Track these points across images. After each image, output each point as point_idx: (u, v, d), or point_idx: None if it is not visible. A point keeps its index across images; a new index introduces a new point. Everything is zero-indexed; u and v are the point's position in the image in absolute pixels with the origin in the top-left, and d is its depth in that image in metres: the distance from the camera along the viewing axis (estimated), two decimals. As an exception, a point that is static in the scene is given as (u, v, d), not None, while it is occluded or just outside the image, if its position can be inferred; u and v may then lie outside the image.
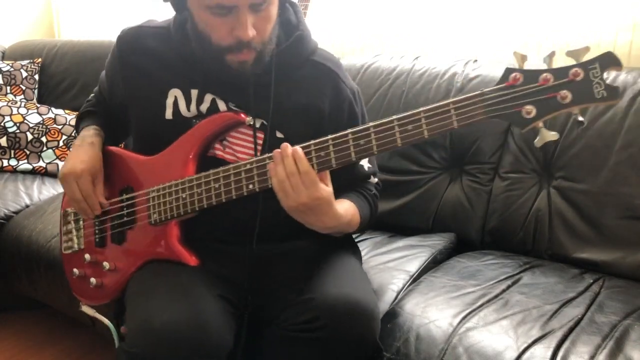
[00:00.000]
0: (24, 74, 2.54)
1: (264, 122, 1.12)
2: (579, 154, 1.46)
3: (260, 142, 1.11)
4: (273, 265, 1.14)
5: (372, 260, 1.43)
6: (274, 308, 1.08)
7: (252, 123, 1.11)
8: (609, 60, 0.86)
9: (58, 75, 2.57)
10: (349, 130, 0.97)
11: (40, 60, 2.61)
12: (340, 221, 1.04)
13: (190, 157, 1.11)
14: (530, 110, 0.89)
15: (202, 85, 1.12)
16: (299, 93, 1.14)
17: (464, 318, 1.12)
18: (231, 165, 1.05)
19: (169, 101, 1.14)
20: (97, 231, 1.23)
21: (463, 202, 1.61)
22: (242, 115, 1.10)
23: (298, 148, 0.97)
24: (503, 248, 1.53)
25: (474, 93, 0.92)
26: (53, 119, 2.30)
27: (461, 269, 1.36)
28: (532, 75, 0.89)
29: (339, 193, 1.12)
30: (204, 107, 1.13)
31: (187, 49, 1.10)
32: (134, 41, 1.18)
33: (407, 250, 1.47)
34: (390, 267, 1.37)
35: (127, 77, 1.19)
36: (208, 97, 1.13)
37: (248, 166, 1.03)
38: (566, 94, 0.87)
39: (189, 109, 1.13)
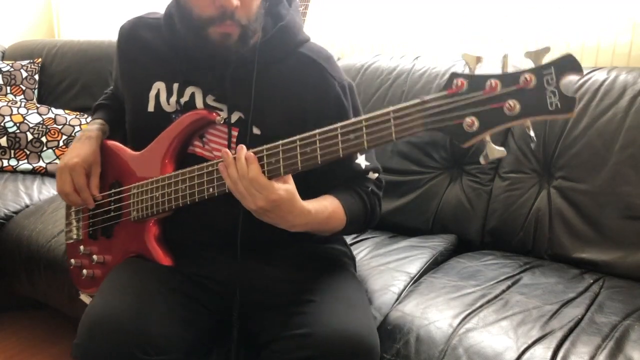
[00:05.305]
0: (24, 74, 2.54)
1: (242, 116, 1.09)
2: (579, 153, 1.46)
3: (235, 139, 1.09)
4: (258, 276, 1.12)
5: (373, 260, 1.43)
6: (265, 328, 1.06)
7: (222, 121, 1.09)
8: (567, 65, 0.74)
9: (58, 75, 2.57)
10: (297, 137, 0.93)
11: (40, 60, 2.61)
12: (310, 218, 0.99)
13: (168, 155, 1.12)
14: (472, 122, 0.79)
15: (184, 76, 1.11)
16: (280, 87, 1.10)
17: (464, 319, 1.12)
18: (196, 167, 1.04)
19: (152, 94, 1.15)
20: (90, 224, 1.25)
21: (463, 202, 1.61)
22: (214, 114, 1.09)
23: (250, 153, 0.94)
24: (503, 248, 1.53)
25: (413, 101, 0.83)
26: (53, 119, 2.30)
27: (461, 270, 1.36)
28: (477, 82, 0.79)
29: (330, 191, 1.10)
30: (182, 102, 1.12)
31: (174, 38, 1.10)
32: (131, 32, 1.21)
33: (408, 251, 1.47)
34: (391, 268, 1.37)
35: (124, 68, 1.21)
36: (188, 91, 1.12)
37: (210, 168, 1.02)
38: (514, 105, 0.76)
39: (168, 102, 1.14)
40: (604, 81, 1.48)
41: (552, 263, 1.44)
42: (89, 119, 2.28)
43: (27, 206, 1.96)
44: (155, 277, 1.08)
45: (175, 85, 1.13)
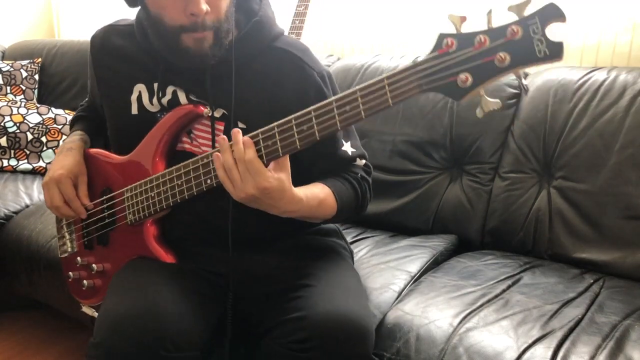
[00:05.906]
0: (24, 74, 2.54)
1: (225, 112, 1.10)
2: (579, 153, 1.46)
3: (221, 133, 1.09)
4: (255, 267, 1.13)
5: (374, 259, 1.43)
6: (264, 318, 1.06)
7: (210, 113, 1.09)
8: (550, 13, 0.77)
9: (58, 75, 2.57)
10: (292, 117, 0.93)
11: (40, 60, 2.61)
12: (301, 205, 1.00)
13: (158, 153, 1.11)
14: (466, 78, 0.81)
15: (163, 77, 1.11)
16: (260, 83, 1.11)
17: (464, 318, 1.12)
18: (190, 160, 1.04)
19: (134, 96, 1.15)
20: (85, 234, 1.24)
21: (463, 202, 1.61)
22: (201, 108, 1.09)
23: (247, 137, 0.95)
24: (503, 248, 1.53)
25: (405, 65, 0.85)
26: (53, 119, 2.30)
27: (461, 269, 1.36)
28: (466, 39, 0.82)
29: (319, 180, 1.10)
30: (165, 100, 1.12)
31: (147, 42, 1.10)
32: (103, 41, 1.21)
33: (409, 250, 1.47)
34: (391, 266, 1.37)
35: (99, 77, 1.21)
36: (169, 90, 1.12)
37: (205, 160, 1.02)
38: (504, 56, 0.79)
39: (152, 103, 1.13)
40: (604, 81, 1.48)
41: (552, 263, 1.44)
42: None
43: (27, 206, 1.96)
44: (162, 275, 1.08)
45: (156, 85, 1.13)
